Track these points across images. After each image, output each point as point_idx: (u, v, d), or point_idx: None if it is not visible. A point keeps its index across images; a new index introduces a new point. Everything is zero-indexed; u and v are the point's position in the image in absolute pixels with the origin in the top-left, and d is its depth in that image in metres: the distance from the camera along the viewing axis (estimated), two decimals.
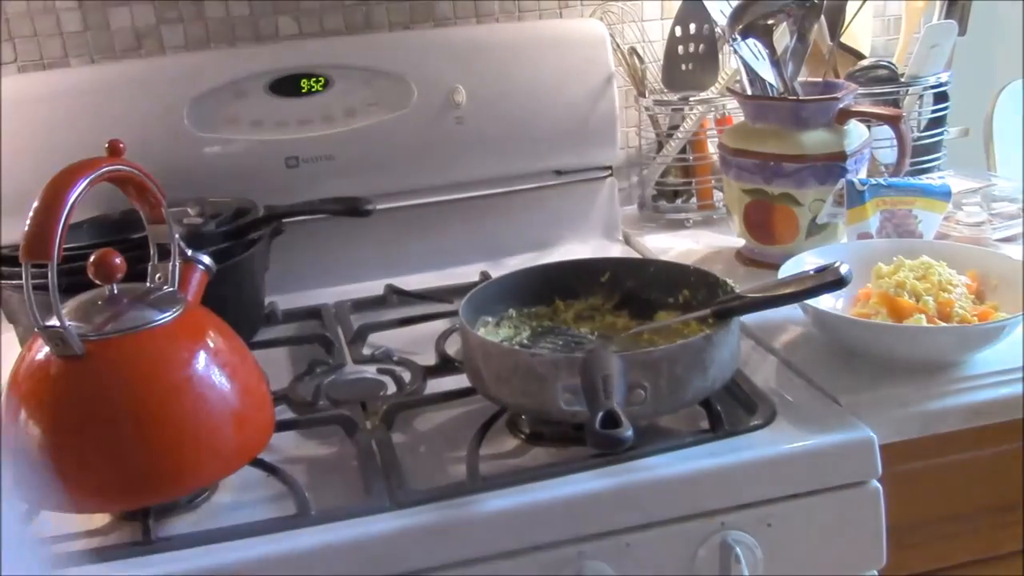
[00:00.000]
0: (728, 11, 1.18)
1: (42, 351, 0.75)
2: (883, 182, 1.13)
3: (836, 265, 0.83)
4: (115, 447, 0.73)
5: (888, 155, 1.27)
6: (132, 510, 0.77)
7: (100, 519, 0.80)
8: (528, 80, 1.29)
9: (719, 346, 0.83)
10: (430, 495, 0.78)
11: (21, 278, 0.71)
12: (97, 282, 0.78)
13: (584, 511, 0.78)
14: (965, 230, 1.21)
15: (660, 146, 1.40)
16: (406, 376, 0.98)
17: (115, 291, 0.78)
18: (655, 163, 1.40)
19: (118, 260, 0.77)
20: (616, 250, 1.34)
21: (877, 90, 1.28)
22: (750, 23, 1.15)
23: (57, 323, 0.72)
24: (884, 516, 0.83)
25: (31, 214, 0.71)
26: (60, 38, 1.25)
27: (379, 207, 1.12)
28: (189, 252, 0.86)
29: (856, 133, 1.15)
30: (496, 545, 0.77)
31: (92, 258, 0.77)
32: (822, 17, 1.23)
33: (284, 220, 1.13)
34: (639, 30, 1.38)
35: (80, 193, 0.73)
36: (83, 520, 0.79)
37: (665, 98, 1.37)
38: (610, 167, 1.38)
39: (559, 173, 1.35)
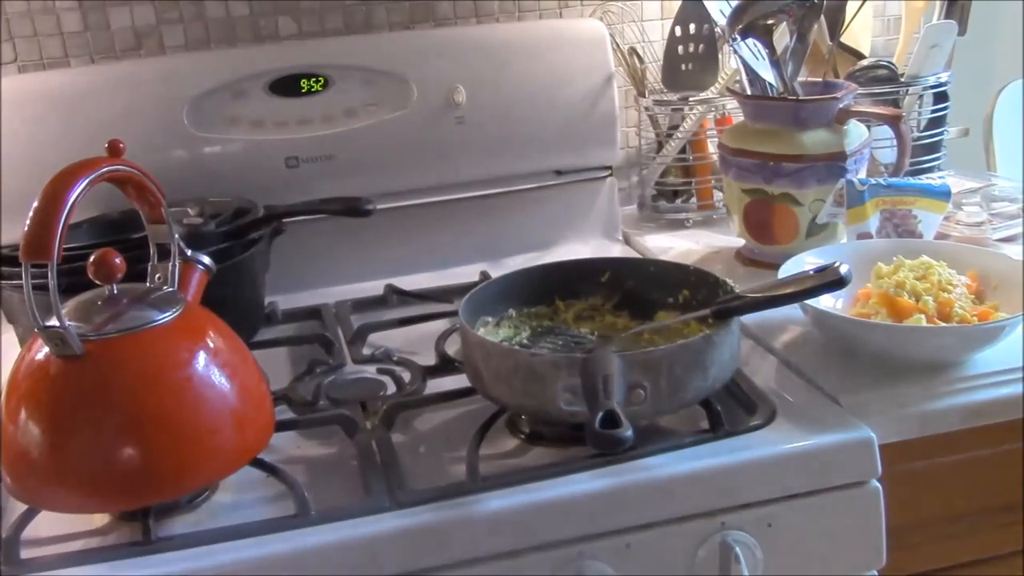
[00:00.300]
0: (728, 11, 1.18)
1: (42, 351, 0.75)
2: (883, 182, 1.13)
3: (836, 265, 0.82)
4: (115, 447, 0.73)
5: (888, 155, 1.27)
6: (132, 510, 0.77)
7: (100, 519, 0.80)
8: (528, 80, 1.29)
9: (719, 346, 0.83)
10: (430, 495, 0.78)
11: (21, 278, 0.71)
12: (97, 282, 0.78)
13: (584, 511, 0.78)
14: (965, 230, 1.21)
15: (660, 146, 1.40)
16: (406, 376, 0.98)
17: (115, 291, 0.78)
18: (655, 163, 1.40)
19: (118, 260, 0.77)
20: (616, 250, 1.35)
21: (877, 90, 1.28)
22: (750, 23, 1.15)
23: (57, 323, 0.72)
24: (884, 516, 0.83)
25: (31, 214, 0.71)
26: (60, 38, 1.25)
27: (379, 207, 1.12)
28: (189, 252, 0.86)
29: (856, 133, 1.15)
30: (496, 545, 0.77)
31: (92, 258, 0.77)
32: (822, 17, 1.23)
33: (284, 220, 1.13)
34: (639, 30, 1.38)
35: (80, 193, 0.73)
36: (83, 520, 0.79)
37: (665, 98, 1.37)
38: (610, 167, 1.38)
39: (559, 173, 1.35)
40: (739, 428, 0.84)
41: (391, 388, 0.97)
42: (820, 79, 1.26)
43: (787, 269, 0.99)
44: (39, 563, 0.74)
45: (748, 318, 0.97)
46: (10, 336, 1.06)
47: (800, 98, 1.16)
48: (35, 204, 0.71)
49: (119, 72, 1.22)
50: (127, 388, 0.74)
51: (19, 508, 0.79)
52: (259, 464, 0.83)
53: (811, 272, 0.85)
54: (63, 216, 0.71)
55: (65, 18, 1.25)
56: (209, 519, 0.79)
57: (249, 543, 0.74)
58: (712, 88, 1.34)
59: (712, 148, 1.38)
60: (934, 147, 1.34)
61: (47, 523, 0.78)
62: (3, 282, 0.98)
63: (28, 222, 0.71)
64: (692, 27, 1.33)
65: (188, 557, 0.73)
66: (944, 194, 1.14)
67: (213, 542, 0.74)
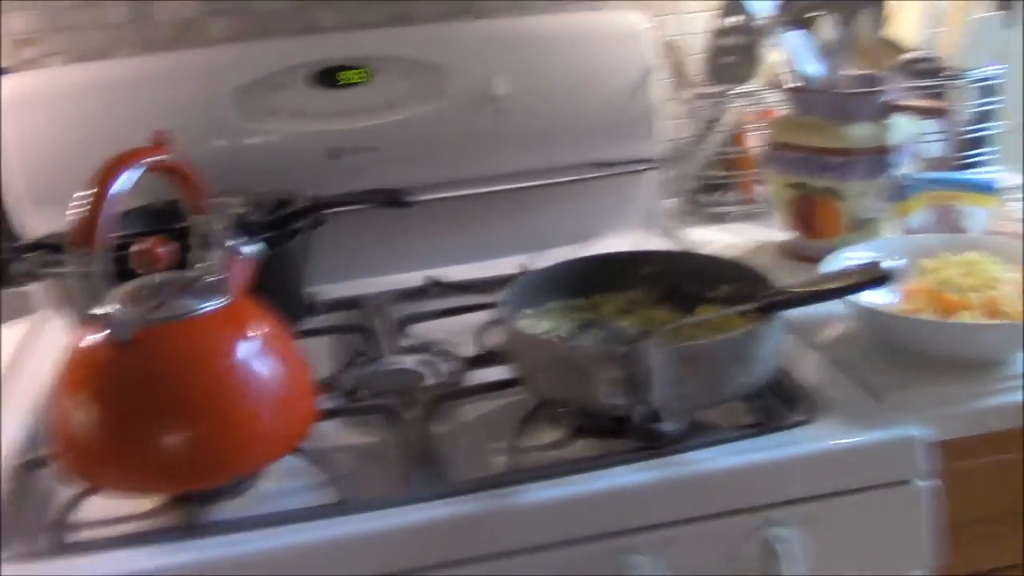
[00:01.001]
0: (771, 3, 1.17)
1: (91, 338, 0.76)
2: (929, 176, 1.12)
3: (881, 261, 0.82)
4: (161, 433, 0.74)
5: (934, 149, 1.25)
6: (178, 495, 0.78)
7: (147, 504, 0.81)
8: (568, 72, 1.29)
9: (762, 341, 0.82)
10: (470, 485, 0.78)
11: (72, 265, 0.72)
12: (140, 271, 0.78)
13: (626, 505, 0.77)
14: (1016, 225, 1.19)
15: (701, 139, 1.39)
16: (447, 367, 0.99)
17: (162, 280, 0.79)
18: (696, 156, 1.39)
19: (164, 249, 0.78)
20: (657, 243, 1.34)
21: (923, 83, 1.26)
22: (795, 15, 1.14)
23: (105, 310, 0.73)
24: (931, 516, 0.82)
25: (78, 204, 0.72)
26: (105, 30, 1.27)
27: (419, 199, 1.13)
28: (234, 242, 0.87)
29: (901, 127, 1.14)
30: (536, 537, 0.77)
31: (134, 247, 0.78)
32: (868, 9, 1.22)
33: (325, 211, 1.13)
34: (681, 22, 1.37)
35: (126, 183, 0.73)
36: (130, 504, 0.80)
37: (706, 91, 1.36)
38: (651, 160, 1.37)
39: (599, 165, 1.35)
40: (782, 424, 0.83)
41: (432, 379, 0.97)
42: (865, 72, 1.25)
43: (830, 264, 0.98)
44: (87, 545, 0.75)
45: (791, 313, 0.95)
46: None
47: (845, 91, 1.15)
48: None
49: (162, 64, 1.23)
50: (174, 375, 0.75)
51: (67, 492, 0.80)
52: (302, 452, 0.83)
53: (855, 267, 0.84)
54: (109, 205, 0.72)
55: (110, 10, 1.26)
56: (253, 505, 0.79)
57: (292, 530, 0.75)
58: (754, 81, 1.33)
59: (754, 141, 1.37)
60: (983, 141, 1.32)
61: (95, 507, 0.79)
62: (53, 270, 1.00)
63: (75, 211, 0.72)
64: (735, 19, 1.31)
65: (233, 542, 0.74)
66: (990, 189, 1.13)
67: (257, 528, 0.75)
